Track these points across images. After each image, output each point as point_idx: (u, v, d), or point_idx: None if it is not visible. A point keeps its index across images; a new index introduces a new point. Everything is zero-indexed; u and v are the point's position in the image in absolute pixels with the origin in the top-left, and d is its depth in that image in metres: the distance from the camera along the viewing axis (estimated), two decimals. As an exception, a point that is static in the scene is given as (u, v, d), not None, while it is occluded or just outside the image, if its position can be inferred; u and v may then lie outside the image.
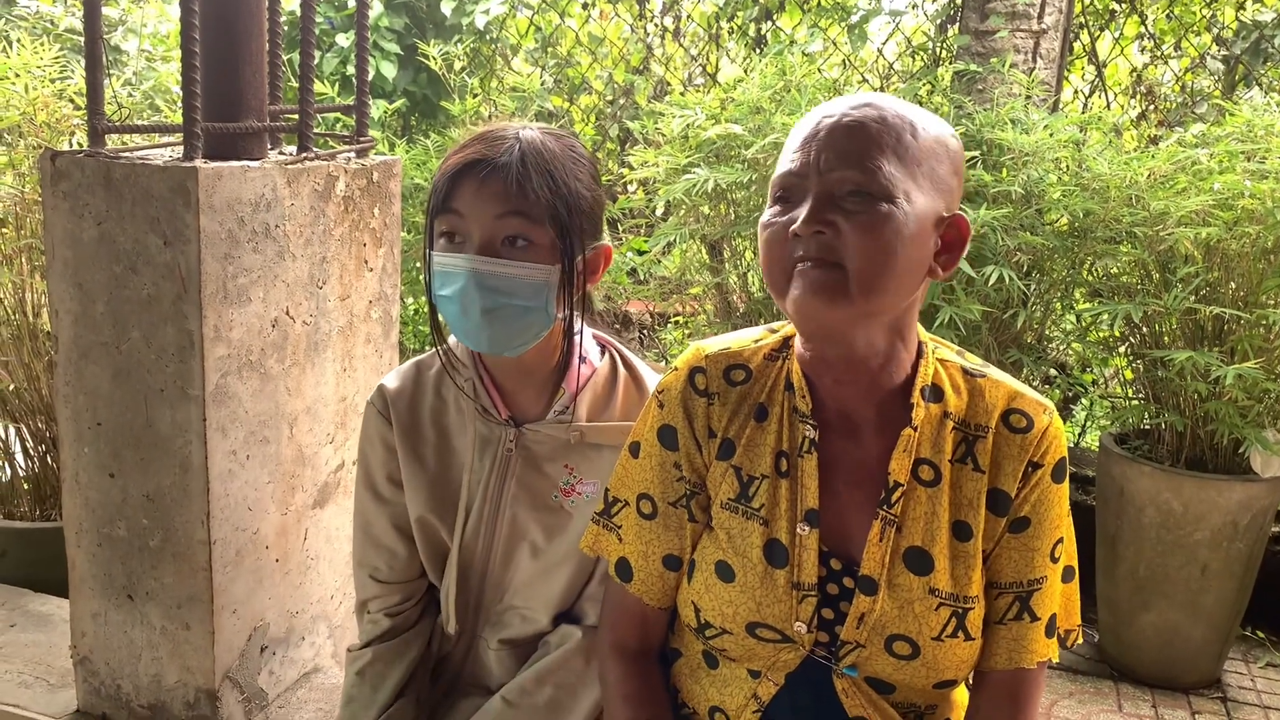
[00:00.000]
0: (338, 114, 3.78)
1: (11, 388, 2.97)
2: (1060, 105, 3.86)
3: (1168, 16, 4.48)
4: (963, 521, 1.21)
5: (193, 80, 1.79)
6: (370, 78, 4.40)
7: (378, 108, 4.23)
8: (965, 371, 1.26)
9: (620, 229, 4.27)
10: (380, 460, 1.53)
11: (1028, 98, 3.28)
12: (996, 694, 1.23)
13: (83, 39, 1.88)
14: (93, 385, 1.90)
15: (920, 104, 3.35)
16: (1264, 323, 2.57)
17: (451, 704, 1.58)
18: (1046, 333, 3.05)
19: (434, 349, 1.51)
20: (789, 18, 4.60)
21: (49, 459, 3.02)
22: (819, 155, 1.14)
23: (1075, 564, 1.28)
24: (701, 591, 1.27)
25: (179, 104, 1.95)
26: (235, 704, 2.01)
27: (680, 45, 5.13)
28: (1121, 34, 4.41)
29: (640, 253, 3.72)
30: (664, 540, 1.32)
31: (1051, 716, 2.63)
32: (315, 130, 2.03)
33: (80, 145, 2.33)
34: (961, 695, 1.33)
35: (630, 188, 4.30)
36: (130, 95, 4.09)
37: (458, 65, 4.69)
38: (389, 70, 4.55)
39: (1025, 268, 2.84)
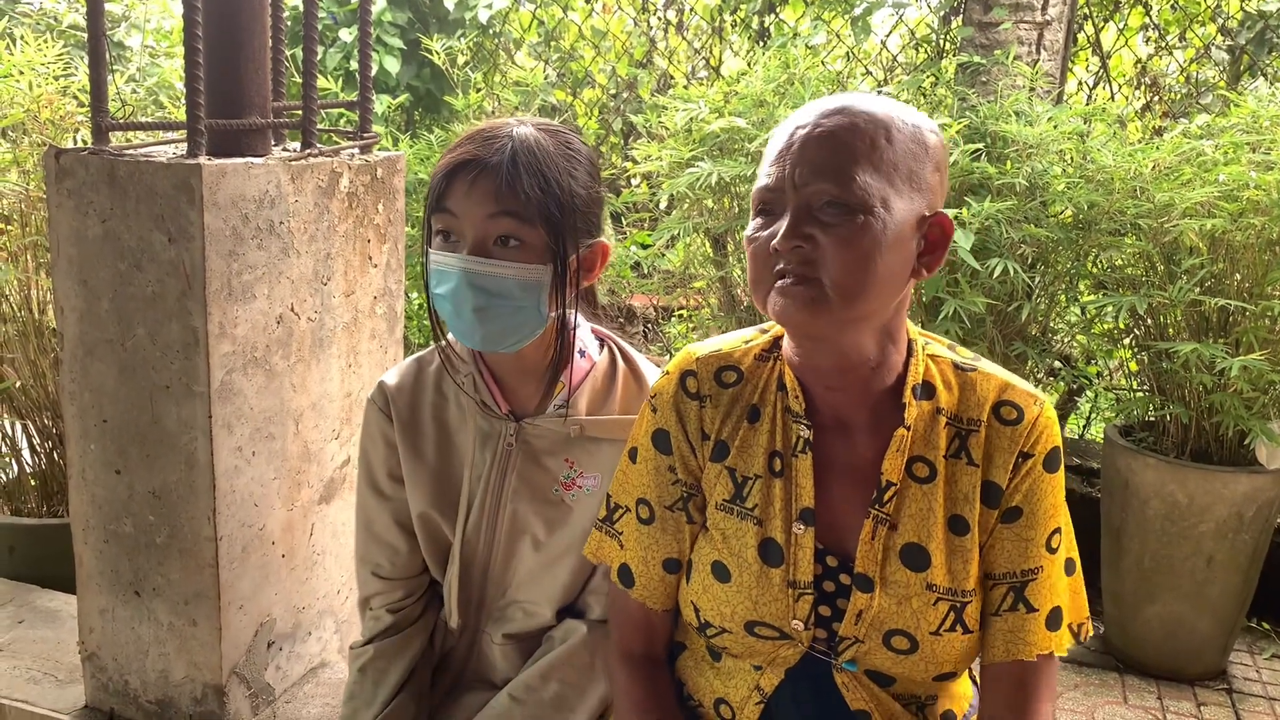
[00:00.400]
0: (342, 110, 3.78)
1: (18, 384, 2.98)
2: (1064, 97, 3.84)
3: (1172, 7, 4.47)
4: (959, 516, 1.21)
5: (196, 77, 1.79)
6: (374, 73, 4.40)
7: (381, 103, 4.24)
8: (956, 366, 1.25)
9: (624, 223, 4.28)
10: (381, 457, 1.54)
11: (1032, 89, 3.27)
12: (999, 688, 1.23)
13: (86, 35, 1.88)
14: (98, 382, 1.90)
15: (924, 96, 3.36)
16: (1269, 314, 2.56)
17: (456, 699, 1.59)
18: (1051, 325, 3.04)
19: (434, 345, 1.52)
20: (792, 10, 4.59)
21: (56, 455, 3.03)
22: (794, 169, 1.13)
23: (1076, 556, 1.27)
24: (700, 592, 1.28)
25: (183, 100, 1.96)
26: (242, 699, 2.02)
27: (683, 38, 5.12)
28: (1126, 25, 4.39)
29: (644, 246, 3.72)
30: (663, 544, 1.33)
31: (1057, 708, 2.63)
32: (319, 126, 2.03)
33: (84, 142, 2.33)
34: (961, 686, 1.33)
35: (634, 182, 4.29)
36: (134, 92, 4.09)
37: (461, 60, 4.69)
38: (392, 65, 4.55)
39: (1030, 260, 2.84)
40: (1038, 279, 2.85)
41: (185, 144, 1.85)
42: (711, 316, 3.45)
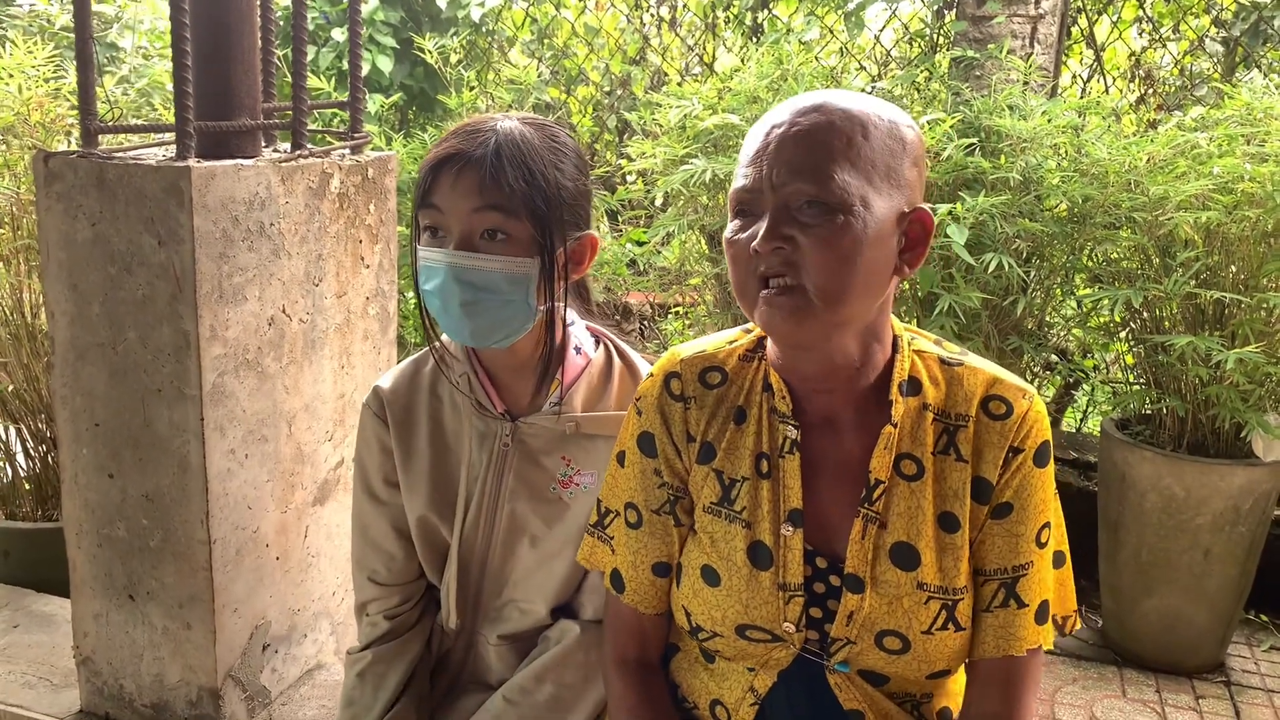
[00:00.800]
0: (334, 109, 3.77)
1: (11, 389, 2.97)
2: (1058, 90, 3.84)
3: (1166, -1, 4.46)
4: (949, 513, 1.20)
5: (184, 79, 1.78)
6: (366, 72, 4.38)
7: (374, 102, 4.22)
8: (942, 361, 1.24)
9: (619, 220, 4.27)
10: (377, 463, 1.53)
11: (1025, 83, 3.26)
12: (987, 683, 1.23)
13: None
14: (90, 386, 1.90)
15: (918, 91, 3.35)
16: (1264, 306, 2.56)
17: (453, 702, 1.58)
18: (1047, 319, 3.04)
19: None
20: (785, 6, 4.58)
21: (50, 459, 3.02)
22: (771, 169, 1.12)
23: (1066, 549, 1.26)
24: (690, 596, 1.27)
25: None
26: (238, 702, 2.02)
27: (677, 35, 5.11)
28: (1119, 17, 4.38)
29: (639, 244, 3.72)
30: (651, 548, 1.32)
31: (1055, 703, 2.63)
32: (310, 126, 2.02)
33: (76, 145, 2.32)
34: (956, 683, 1.33)
35: (629, 179, 4.29)
36: (125, 93, 4.07)
37: (454, 58, 4.68)
38: (385, 64, 4.54)
39: (1025, 254, 2.83)
40: (1033, 273, 2.84)
41: (174, 146, 1.84)
42: (707, 313, 3.44)
